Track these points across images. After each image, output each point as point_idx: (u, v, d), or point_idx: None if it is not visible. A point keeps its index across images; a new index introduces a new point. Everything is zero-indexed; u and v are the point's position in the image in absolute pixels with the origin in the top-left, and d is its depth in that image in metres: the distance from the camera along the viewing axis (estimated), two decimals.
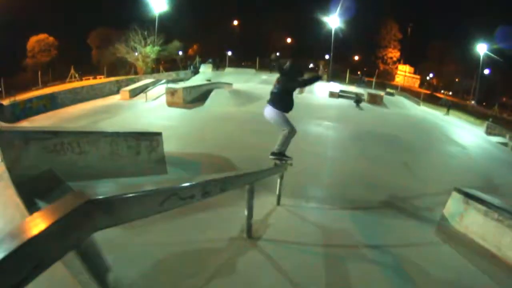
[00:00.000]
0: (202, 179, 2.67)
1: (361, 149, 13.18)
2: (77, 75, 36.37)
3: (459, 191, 6.92)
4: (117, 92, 25.21)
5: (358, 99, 24.18)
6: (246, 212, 4.18)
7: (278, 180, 6.43)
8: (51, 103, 20.89)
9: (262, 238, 4.42)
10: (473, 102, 46.27)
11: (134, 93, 23.72)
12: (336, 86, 31.66)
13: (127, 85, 26.69)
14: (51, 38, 46.14)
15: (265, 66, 44.96)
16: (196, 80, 30.36)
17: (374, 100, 26.32)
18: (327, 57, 51.54)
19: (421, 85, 59.71)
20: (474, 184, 10.57)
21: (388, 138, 15.39)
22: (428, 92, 50.21)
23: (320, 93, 28.34)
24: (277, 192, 6.53)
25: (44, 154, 6.42)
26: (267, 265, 3.77)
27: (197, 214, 4.58)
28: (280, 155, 6.50)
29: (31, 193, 5.18)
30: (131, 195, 1.81)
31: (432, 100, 39.80)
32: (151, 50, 41.31)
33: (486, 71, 47.17)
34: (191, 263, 3.63)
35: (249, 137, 12.86)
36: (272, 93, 6.22)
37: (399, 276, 4.29)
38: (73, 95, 23.04)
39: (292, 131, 6.32)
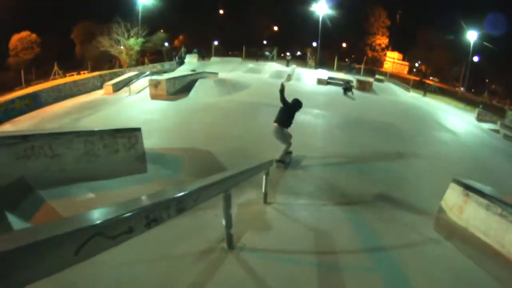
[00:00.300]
0: (146, 201, 2.06)
1: (352, 137, 12.75)
2: (60, 72, 35.31)
3: (458, 182, 6.51)
4: (101, 87, 24.37)
5: (346, 87, 23.00)
6: (223, 222, 3.66)
7: (264, 177, 5.91)
8: (34, 102, 20.02)
9: (246, 248, 3.90)
10: (462, 88, 46.05)
11: (118, 87, 22.89)
12: (324, 73, 31.05)
13: (110, 79, 25.81)
14: (33, 35, 44.70)
15: (252, 55, 44.36)
16: (181, 71, 29.50)
17: (364, 86, 25.78)
18: (314, 44, 50.90)
19: (410, 72, 59.51)
20: (470, 172, 10.26)
21: (379, 125, 14.98)
22: (418, 78, 50.00)
23: (308, 80, 27.79)
24: (263, 190, 6.03)
25: (14, 160, 6.00)
26: (251, 281, 3.27)
27: (171, 220, 4.04)
28: (282, 161, 8.93)
29: (1, 205, 4.80)
30: (28, 245, 1.25)
31: (421, 86, 39.53)
32: (134, 42, 40.23)
33: (476, 59, 46.94)
34: (164, 283, 3.12)
35: (234, 127, 12.41)
36: (279, 118, 8.97)
37: (400, 284, 3.89)
38: (56, 93, 22.20)
39: (289, 146, 9.03)
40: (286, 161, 9.00)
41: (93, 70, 36.07)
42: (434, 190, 7.80)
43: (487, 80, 51.94)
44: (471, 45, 42.70)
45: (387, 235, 5.28)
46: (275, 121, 8.94)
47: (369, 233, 5.35)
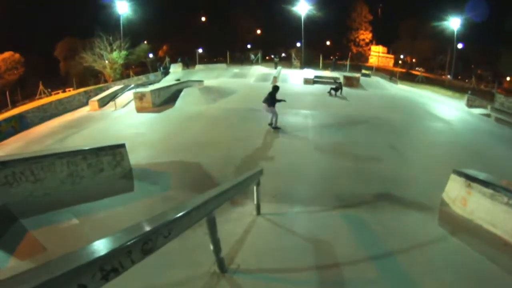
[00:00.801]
0: (99, 250, 1.66)
1: (344, 135, 12.47)
2: (46, 91, 34.81)
3: (459, 173, 6.28)
4: (87, 103, 23.83)
5: (336, 87, 21.61)
6: (211, 247, 3.32)
7: (255, 188, 5.57)
8: (20, 124, 19.47)
9: (239, 270, 3.56)
10: (449, 76, 46.01)
11: (103, 102, 22.49)
12: (310, 73, 30.86)
13: (96, 94, 25.33)
14: (16, 55, 43.74)
15: (236, 59, 44.15)
16: (166, 81, 29.07)
17: (351, 82, 25.57)
18: (298, 44, 50.76)
19: (395, 64, 59.43)
20: (468, 160, 10.07)
21: (370, 121, 14.74)
22: (404, 70, 50.01)
23: (294, 80, 27.66)
24: (255, 202, 5.69)
25: None
26: None
27: None
28: (277, 127, 12.88)
29: None
30: None
31: (408, 78, 39.52)
32: (118, 56, 39.73)
33: (460, 45, 46.87)
34: None
35: (222, 136, 12.11)
36: (266, 99, 12.74)
37: None
38: (41, 113, 21.68)
39: (277, 115, 12.88)
40: (279, 127, 12.84)
41: (78, 87, 35.62)
42: (434, 182, 7.60)
43: (472, 66, 52.08)
44: (455, 32, 42.55)
45: (391, 238, 4.98)
46: (264, 102, 12.82)
47: (371, 238, 5.05)
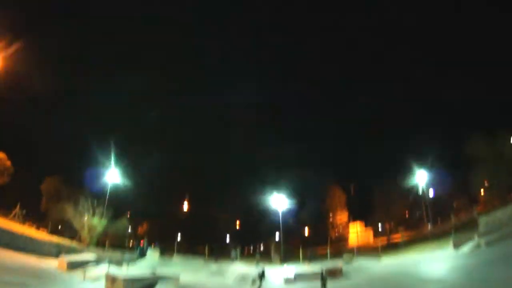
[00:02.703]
0: None
1: None
2: (20, 215, 35.32)
3: None
4: (56, 255, 23.74)
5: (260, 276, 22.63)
6: None
7: None
8: None
9: None
10: (429, 226, 45.21)
11: (72, 266, 22.19)
12: (291, 270, 29.62)
13: (67, 252, 24.98)
14: (1, 155, 42.43)
15: (215, 252, 44.10)
16: (141, 267, 28.70)
17: (333, 274, 24.85)
18: (277, 234, 52.24)
19: (375, 235, 59.28)
20: None
21: None
22: (385, 239, 50.01)
23: (274, 279, 26.78)
24: None
25: None
26: None
27: None
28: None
29: None
30: None
31: (391, 248, 38.67)
32: (98, 222, 39.21)
33: (431, 193, 48.26)
34: None
35: None
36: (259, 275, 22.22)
37: None
38: (9, 239, 20.75)
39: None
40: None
41: (53, 231, 36.99)
42: None
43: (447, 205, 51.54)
44: (425, 184, 43.42)
45: None
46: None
47: None
